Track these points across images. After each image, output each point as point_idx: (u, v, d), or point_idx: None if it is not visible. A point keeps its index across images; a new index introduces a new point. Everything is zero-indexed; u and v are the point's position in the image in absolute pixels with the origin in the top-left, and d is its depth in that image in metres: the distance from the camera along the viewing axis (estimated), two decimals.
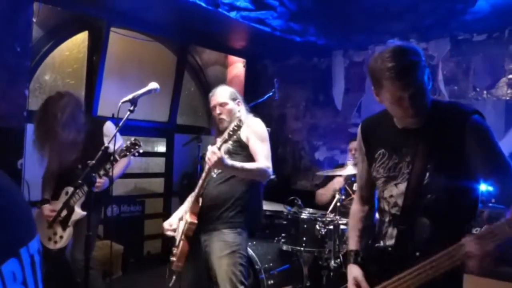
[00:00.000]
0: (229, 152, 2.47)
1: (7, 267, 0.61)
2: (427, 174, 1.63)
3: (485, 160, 1.59)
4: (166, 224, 2.75)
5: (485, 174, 1.62)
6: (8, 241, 0.65)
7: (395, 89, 1.55)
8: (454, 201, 1.62)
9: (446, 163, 1.61)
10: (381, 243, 1.78)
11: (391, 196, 1.73)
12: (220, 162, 2.33)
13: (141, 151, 2.92)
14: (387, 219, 1.77)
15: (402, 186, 1.69)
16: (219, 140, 2.39)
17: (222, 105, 2.70)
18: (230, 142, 2.39)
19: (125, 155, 2.77)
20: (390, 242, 1.74)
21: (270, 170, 2.60)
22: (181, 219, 2.74)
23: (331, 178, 4.13)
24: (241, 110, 2.76)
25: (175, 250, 2.64)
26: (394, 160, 1.73)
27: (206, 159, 2.36)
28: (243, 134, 2.59)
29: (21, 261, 0.65)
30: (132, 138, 2.75)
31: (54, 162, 3.11)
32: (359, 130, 1.90)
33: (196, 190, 2.57)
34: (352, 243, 1.89)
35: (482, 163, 1.59)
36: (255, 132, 2.58)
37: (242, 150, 2.59)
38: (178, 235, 2.64)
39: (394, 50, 1.55)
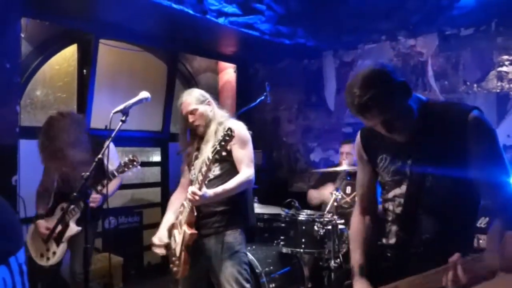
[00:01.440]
0: (216, 160, 2.45)
1: None
2: (428, 176, 1.63)
3: (481, 159, 1.55)
4: (156, 240, 2.71)
5: (479, 176, 1.57)
6: (0, 250, 0.66)
7: (365, 121, 1.60)
8: (455, 201, 1.61)
9: (445, 164, 1.60)
10: (384, 241, 1.79)
11: (395, 196, 1.74)
12: (202, 200, 2.41)
13: (139, 167, 2.91)
14: (390, 218, 1.78)
15: (404, 187, 1.70)
16: (207, 151, 2.40)
17: (192, 112, 2.68)
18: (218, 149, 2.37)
19: (123, 171, 2.76)
20: (392, 240, 1.76)
21: (252, 176, 2.62)
22: (170, 229, 2.72)
23: (325, 177, 4.15)
24: (213, 110, 2.74)
25: (177, 262, 2.63)
26: (397, 164, 1.73)
27: (188, 199, 2.44)
28: None
29: (10, 269, 0.66)
30: (130, 155, 2.74)
31: (52, 179, 3.09)
32: (358, 139, 1.90)
33: (189, 202, 2.55)
34: (355, 257, 1.86)
35: (478, 162, 1.55)
36: (238, 138, 2.53)
37: (228, 156, 2.58)
38: (177, 247, 2.62)
39: (358, 83, 1.53)
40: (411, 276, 1.56)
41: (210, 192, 2.46)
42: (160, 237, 2.72)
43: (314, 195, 4.18)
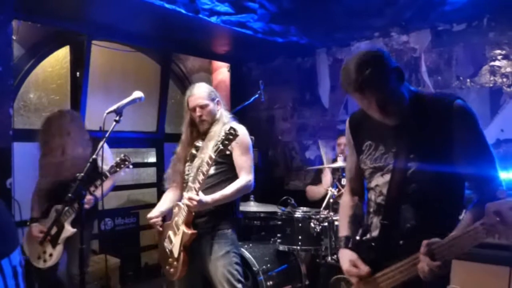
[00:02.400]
0: (214, 161, 2.44)
1: None
2: (411, 164, 1.64)
3: (467, 152, 1.58)
4: (151, 214, 2.73)
5: (464, 165, 1.59)
6: None
7: (360, 100, 1.63)
8: (438, 191, 1.62)
9: (430, 152, 1.62)
10: (368, 236, 1.80)
11: (377, 185, 1.76)
12: (200, 205, 2.39)
13: (131, 167, 2.90)
14: (372, 209, 1.79)
15: (387, 176, 1.71)
16: (209, 149, 2.38)
17: (202, 107, 2.66)
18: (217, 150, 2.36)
19: (115, 171, 2.75)
20: (375, 232, 1.76)
21: (251, 182, 2.62)
22: (166, 227, 2.71)
23: (321, 173, 4.15)
24: (220, 110, 2.74)
25: (174, 262, 2.61)
26: (381, 150, 1.75)
27: (185, 205, 2.43)
28: None
29: (2, 272, 0.65)
30: (122, 155, 2.74)
31: (49, 179, 3.09)
32: (347, 124, 1.94)
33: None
34: (343, 230, 1.91)
35: (463, 154, 1.58)
36: (239, 142, 2.53)
37: (226, 158, 2.59)
38: (175, 248, 2.61)
39: (354, 62, 1.57)
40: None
41: (208, 198, 2.45)
42: (155, 214, 2.73)
43: (313, 188, 4.19)
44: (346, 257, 1.79)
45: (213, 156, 2.33)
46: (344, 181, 3.82)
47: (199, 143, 2.72)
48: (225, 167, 2.60)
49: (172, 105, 5.53)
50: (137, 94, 2.46)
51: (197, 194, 2.40)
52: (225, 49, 5.25)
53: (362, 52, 1.62)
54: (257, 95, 4.03)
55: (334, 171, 4.00)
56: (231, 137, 2.29)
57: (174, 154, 2.86)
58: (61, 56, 4.44)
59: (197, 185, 2.41)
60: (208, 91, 2.72)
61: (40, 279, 3.29)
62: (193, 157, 2.70)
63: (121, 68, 4.92)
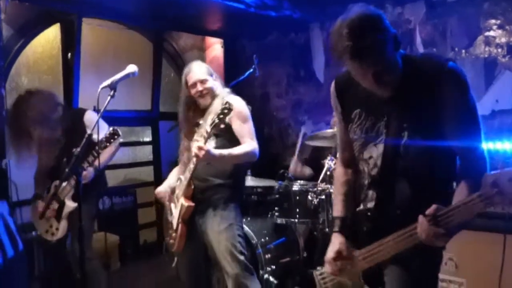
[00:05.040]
0: (214, 134, 2.45)
1: None
2: (404, 133, 1.59)
3: (453, 114, 1.53)
4: (157, 191, 2.83)
5: (450, 132, 1.55)
6: None
7: (355, 68, 1.51)
8: (432, 161, 1.59)
9: (423, 121, 1.57)
10: (361, 206, 1.76)
11: (371, 157, 1.69)
12: (208, 156, 2.35)
13: (121, 140, 2.88)
14: (366, 182, 1.74)
15: (381, 147, 1.65)
16: (207, 127, 2.38)
17: (203, 82, 2.66)
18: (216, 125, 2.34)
19: (105, 146, 2.73)
20: (370, 204, 1.72)
21: (257, 150, 2.63)
22: (169, 199, 2.73)
23: (319, 149, 4.16)
24: (218, 86, 2.75)
25: (173, 234, 2.66)
26: (371, 120, 1.68)
27: (193, 154, 2.36)
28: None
29: None
30: (110, 128, 2.71)
31: (41, 160, 3.10)
32: (332, 89, 1.82)
33: (187, 173, 2.56)
34: (337, 210, 1.86)
35: (450, 116, 1.53)
36: (238, 113, 2.55)
37: (225, 132, 2.58)
38: (174, 220, 2.65)
39: (352, 25, 1.44)
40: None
41: (216, 151, 2.43)
42: (163, 189, 2.83)
43: (295, 166, 4.23)
44: (335, 245, 1.77)
45: (209, 130, 2.33)
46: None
47: (201, 121, 2.73)
48: (224, 141, 2.61)
49: (166, 83, 5.49)
50: (131, 68, 2.44)
51: (205, 144, 2.37)
52: (217, 25, 5.19)
53: (360, 15, 1.46)
54: (251, 70, 3.99)
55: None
56: (226, 111, 2.28)
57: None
58: (52, 36, 4.38)
59: (202, 139, 2.39)
60: (206, 67, 2.74)
61: (52, 252, 3.44)
62: (194, 133, 2.72)
63: (113, 47, 4.86)
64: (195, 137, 2.65)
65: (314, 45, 5.19)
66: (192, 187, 2.58)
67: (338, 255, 1.75)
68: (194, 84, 2.67)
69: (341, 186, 1.88)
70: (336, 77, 1.83)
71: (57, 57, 4.40)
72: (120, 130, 2.67)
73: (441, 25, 4.30)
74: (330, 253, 1.77)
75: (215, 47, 5.72)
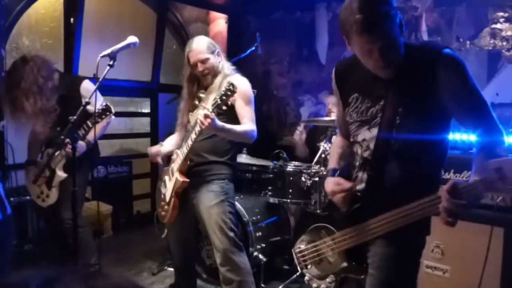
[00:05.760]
0: (215, 113, 2.43)
1: None
2: (398, 118, 1.63)
3: (458, 98, 1.57)
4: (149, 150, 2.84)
5: (459, 114, 1.61)
6: None
7: (363, 42, 1.52)
8: (424, 146, 1.63)
9: (416, 107, 1.61)
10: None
11: (364, 140, 1.74)
12: (212, 125, 2.34)
13: (113, 117, 2.87)
14: (357, 163, 1.79)
15: (375, 130, 1.69)
16: (209, 102, 2.37)
17: (203, 61, 2.65)
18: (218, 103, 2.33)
19: (96, 122, 2.72)
20: (360, 186, 1.76)
21: (255, 133, 2.65)
22: (167, 161, 2.77)
23: (316, 130, 4.17)
24: (221, 61, 2.74)
25: (166, 206, 2.69)
26: (367, 104, 1.72)
27: (198, 121, 2.34)
28: None
29: None
30: (104, 103, 2.69)
31: (35, 127, 3.09)
32: (333, 74, 1.88)
33: (184, 149, 2.57)
34: (331, 163, 1.96)
35: (455, 101, 1.57)
36: (242, 94, 2.54)
37: (227, 110, 2.55)
38: (167, 192, 2.68)
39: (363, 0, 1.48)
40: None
41: (220, 123, 2.41)
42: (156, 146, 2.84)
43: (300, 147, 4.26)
44: (330, 181, 1.82)
45: (210, 110, 2.31)
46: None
47: (202, 94, 2.74)
48: (225, 118, 2.58)
49: (167, 55, 5.45)
50: (132, 39, 2.42)
51: (211, 113, 2.32)
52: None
53: None
54: (253, 48, 3.96)
55: (327, 127, 4.01)
56: (229, 93, 2.28)
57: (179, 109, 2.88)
58: None
59: (197, 129, 2.41)
60: (207, 44, 2.69)
61: (44, 217, 3.46)
62: (195, 107, 2.73)
63: (116, 15, 4.80)
64: (196, 111, 2.66)
65: (319, 25, 5.14)
66: (188, 162, 2.60)
67: (339, 185, 1.76)
68: (195, 64, 2.67)
69: (338, 147, 2.00)
70: (337, 64, 1.89)
71: (59, 20, 4.35)
72: (119, 100, 2.67)
73: (448, 14, 4.25)
74: (329, 186, 1.80)
75: (219, 21, 5.65)
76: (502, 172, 1.32)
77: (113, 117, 2.83)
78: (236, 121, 2.63)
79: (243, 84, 2.63)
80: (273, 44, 5.34)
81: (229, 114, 2.60)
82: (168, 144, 2.90)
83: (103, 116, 2.68)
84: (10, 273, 0.56)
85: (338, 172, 1.88)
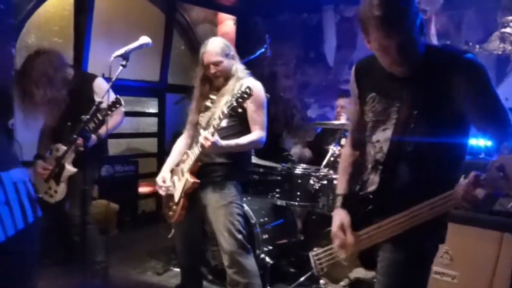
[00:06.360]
0: (226, 116, 2.44)
1: None
2: (413, 121, 1.61)
3: (478, 104, 1.54)
4: (160, 180, 2.73)
5: (478, 121, 1.58)
6: None
7: (381, 38, 1.51)
8: (438, 151, 1.61)
9: (433, 110, 1.59)
10: (363, 189, 1.79)
11: (378, 141, 1.73)
12: (214, 147, 2.40)
13: (123, 109, 2.88)
14: (370, 165, 1.77)
15: (389, 132, 1.68)
16: (222, 104, 2.35)
17: (216, 64, 2.65)
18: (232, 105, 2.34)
19: (106, 114, 2.73)
20: (371, 188, 1.75)
21: (263, 138, 2.67)
22: (172, 171, 2.75)
23: (324, 133, 4.16)
24: (235, 64, 2.72)
25: (174, 206, 2.68)
26: (384, 104, 1.70)
27: (199, 144, 2.41)
28: None
29: (1, 182, 0.66)
30: (113, 97, 2.70)
31: (45, 120, 3.11)
32: (352, 72, 1.87)
33: (196, 150, 2.54)
34: (341, 187, 1.90)
35: (475, 107, 1.55)
36: (255, 98, 2.52)
37: (239, 113, 2.55)
38: (177, 192, 2.66)
39: None
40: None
41: (223, 142, 2.46)
42: (163, 176, 2.74)
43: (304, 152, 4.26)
44: (338, 219, 1.79)
45: (226, 112, 2.33)
46: (344, 141, 3.84)
47: (213, 96, 2.73)
48: (237, 121, 2.61)
49: (175, 55, 5.46)
50: (145, 39, 2.43)
51: (213, 135, 2.40)
52: (231, 1, 5.13)
53: None
54: (263, 49, 3.96)
55: (336, 130, 4.00)
56: (245, 95, 2.29)
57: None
58: None
59: (211, 130, 2.43)
60: (222, 47, 2.69)
61: (50, 213, 3.35)
62: (206, 108, 2.73)
63: (125, 14, 4.83)
64: (207, 113, 2.66)
65: (326, 28, 5.13)
66: (199, 163, 2.59)
67: (341, 227, 1.77)
68: (208, 66, 2.66)
69: (348, 166, 1.94)
70: (356, 62, 1.87)
71: (68, 19, 4.36)
72: (126, 99, 2.67)
73: (457, 17, 4.24)
74: (335, 227, 1.81)
75: (227, 22, 5.66)
76: (504, 170, 1.31)
77: (123, 109, 2.82)
78: (246, 123, 2.65)
79: (257, 88, 2.64)
80: (280, 46, 5.33)
81: (241, 116, 2.60)
82: (174, 157, 2.84)
83: (113, 109, 2.69)
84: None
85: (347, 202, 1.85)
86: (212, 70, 2.65)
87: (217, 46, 2.68)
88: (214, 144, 2.38)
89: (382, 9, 1.46)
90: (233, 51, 2.74)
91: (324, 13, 5.13)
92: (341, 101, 4.15)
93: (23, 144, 3.62)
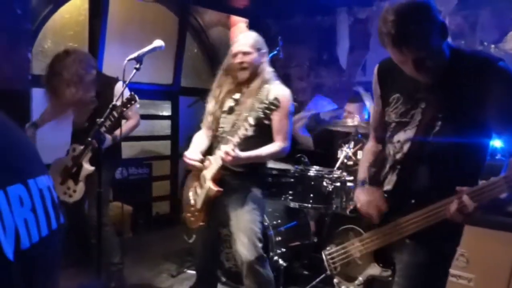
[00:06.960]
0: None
1: (14, 190, 0.62)
2: (437, 123, 1.61)
3: (505, 110, 1.53)
4: (189, 153, 2.64)
5: (503, 128, 1.57)
6: (15, 167, 0.66)
7: (396, 54, 1.53)
8: (459, 154, 1.60)
9: (459, 114, 1.58)
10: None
11: (399, 141, 1.73)
12: (234, 161, 2.39)
13: (138, 105, 2.90)
14: (388, 165, 1.78)
15: (411, 133, 1.68)
16: (250, 119, 2.31)
17: (245, 53, 2.58)
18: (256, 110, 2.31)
19: (122, 111, 2.75)
20: (388, 187, 1.76)
21: (286, 149, 2.62)
22: (194, 175, 2.73)
23: (333, 135, 4.15)
24: (264, 64, 2.67)
25: (196, 213, 2.66)
26: (407, 106, 1.70)
27: (220, 158, 2.41)
28: None
29: (29, 189, 0.66)
30: (128, 94, 2.72)
31: (75, 120, 3.15)
32: (375, 72, 1.86)
33: (219, 160, 2.50)
34: (362, 173, 1.92)
35: (505, 112, 1.53)
36: (282, 108, 2.44)
37: (264, 123, 2.52)
38: (199, 199, 2.62)
39: (398, 12, 1.46)
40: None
41: (244, 154, 2.43)
42: (193, 151, 2.67)
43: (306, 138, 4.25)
44: (363, 191, 1.81)
45: (252, 123, 2.30)
46: (360, 154, 3.81)
47: (236, 96, 2.66)
48: (261, 130, 2.51)
49: (188, 58, 5.49)
50: (158, 42, 2.45)
51: (234, 150, 2.37)
52: (243, 3, 5.14)
53: (409, 2, 1.48)
54: (275, 52, 3.96)
55: (346, 132, 3.99)
56: (273, 107, 2.26)
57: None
58: (79, 3, 4.40)
59: (236, 140, 2.38)
60: (255, 39, 2.65)
61: (68, 213, 3.41)
62: (230, 110, 2.65)
63: (139, 18, 4.87)
64: (232, 116, 2.61)
65: (339, 30, 5.12)
66: (222, 171, 2.54)
67: (375, 200, 1.76)
68: (236, 54, 2.60)
69: (370, 156, 1.96)
70: (380, 62, 1.87)
71: (83, 24, 4.42)
72: (140, 102, 2.69)
73: (472, 17, 4.20)
74: (362, 197, 1.80)
75: (240, 25, 5.67)
76: None
77: (139, 111, 2.83)
78: (269, 130, 2.59)
79: (285, 97, 2.56)
80: (293, 48, 5.33)
81: (266, 126, 2.56)
82: (199, 145, 2.76)
83: (128, 105, 2.71)
84: None
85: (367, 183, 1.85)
86: (239, 59, 2.58)
87: (251, 38, 2.65)
88: (235, 158, 2.36)
89: (395, 26, 1.45)
90: (265, 49, 2.69)
91: (337, 15, 5.11)
92: (349, 107, 4.13)
93: (53, 146, 3.67)
